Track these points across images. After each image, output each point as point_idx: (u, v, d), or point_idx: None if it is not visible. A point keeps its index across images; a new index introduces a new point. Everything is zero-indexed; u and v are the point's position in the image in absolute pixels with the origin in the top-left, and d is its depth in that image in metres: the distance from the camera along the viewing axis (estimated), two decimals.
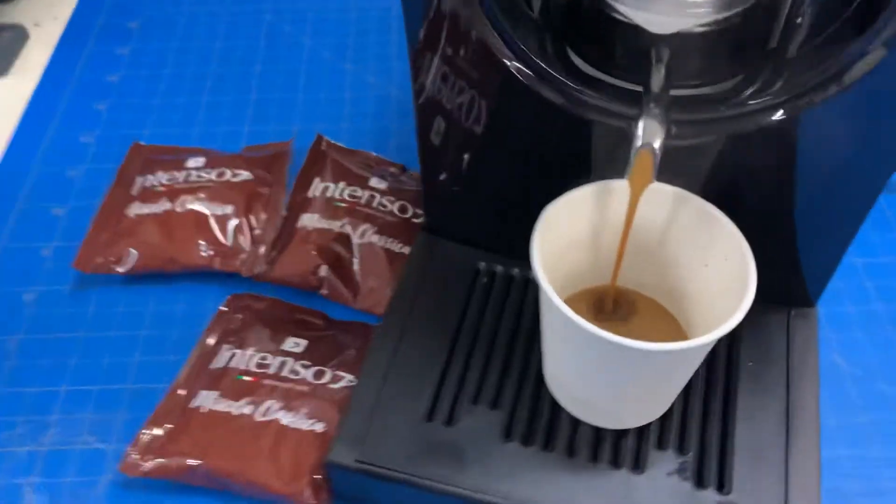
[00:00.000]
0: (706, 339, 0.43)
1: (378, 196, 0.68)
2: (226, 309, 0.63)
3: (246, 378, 0.57)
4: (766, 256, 0.51)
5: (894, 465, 0.55)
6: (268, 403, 0.56)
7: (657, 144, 0.44)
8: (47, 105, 0.80)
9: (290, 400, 0.56)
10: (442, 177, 0.57)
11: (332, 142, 0.73)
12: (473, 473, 0.49)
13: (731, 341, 0.55)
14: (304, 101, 0.80)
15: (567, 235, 0.50)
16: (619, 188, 0.48)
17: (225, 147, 0.75)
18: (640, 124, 0.44)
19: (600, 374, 0.47)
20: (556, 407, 0.52)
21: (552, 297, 0.44)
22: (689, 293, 0.51)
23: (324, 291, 0.63)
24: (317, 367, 0.58)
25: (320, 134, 0.73)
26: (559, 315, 0.44)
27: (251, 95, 0.80)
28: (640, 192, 0.46)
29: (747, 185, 0.50)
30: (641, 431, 0.51)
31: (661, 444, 0.51)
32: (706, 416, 0.52)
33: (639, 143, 0.44)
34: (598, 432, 0.51)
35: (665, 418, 0.52)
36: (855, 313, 0.64)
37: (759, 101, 0.46)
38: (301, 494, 0.52)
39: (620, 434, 0.51)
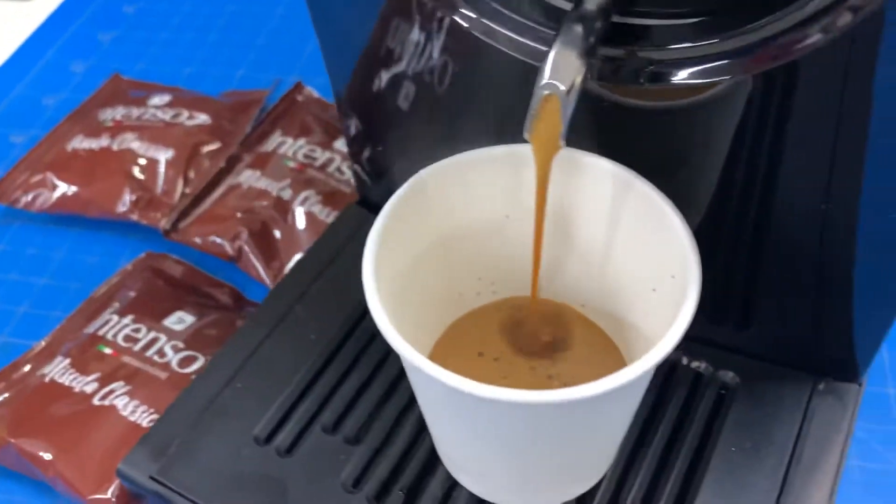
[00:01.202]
0: (590, 389, 0.27)
1: (338, 160, 0.55)
2: (131, 268, 0.53)
3: (107, 350, 0.47)
4: (778, 295, 0.34)
5: None
6: (114, 385, 0.45)
7: (570, 86, 0.28)
8: (53, 31, 0.74)
9: (140, 386, 0.45)
10: (368, 141, 0.44)
11: (314, 94, 0.61)
12: None
13: (710, 415, 0.38)
14: (313, 51, 0.69)
15: (456, 220, 0.35)
16: (528, 158, 0.33)
17: (212, 89, 0.65)
18: (552, 54, 0.29)
19: (462, 432, 0.32)
20: (432, 461, 0.37)
21: (376, 314, 0.30)
22: (635, 324, 0.35)
23: (242, 265, 0.52)
24: (187, 353, 0.47)
25: (301, 83, 0.62)
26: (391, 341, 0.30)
27: (259, 40, 0.71)
28: (546, 159, 0.31)
29: (755, 173, 0.33)
30: None
31: None
32: None
33: (544, 79, 0.29)
34: None
35: (583, 500, 0.36)
36: None
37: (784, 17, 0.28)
38: None
39: None
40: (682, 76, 0.30)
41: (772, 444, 0.36)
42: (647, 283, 0.33)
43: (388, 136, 0.44)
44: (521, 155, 0.33)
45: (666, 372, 0.40)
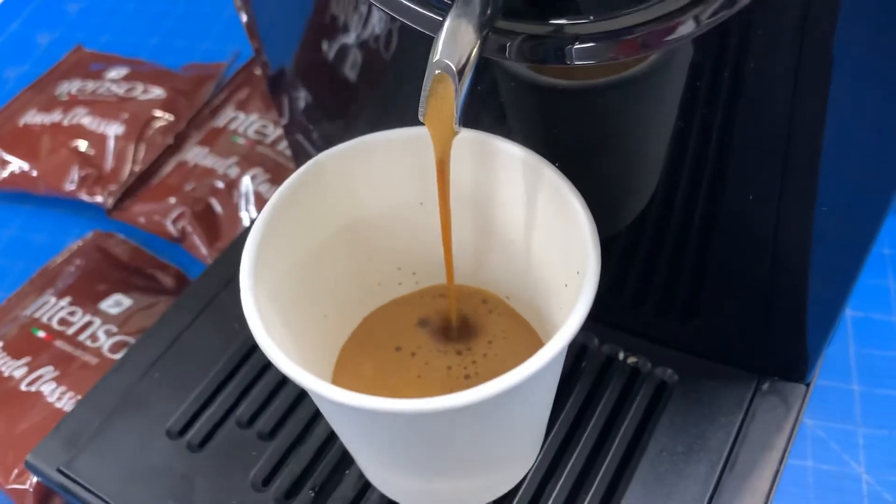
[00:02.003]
0: (469, 396, 0.25)
1: None
2: (76, 248, 0.51)
3: (40, 334, 0.46)
4: (721, 287, 0.32)
5: None
6: (43, 370, 0.44)
7: (462, 63, 0.26)
8: (20, 1, 0.73)
9: (68, 371, 0.44)
10: (303, 122, 0.42)
11: None
12: None
13: (645, 413, 0.36)
14: None
15: (363, 206, 0.33)
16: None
17: (175, 62, 0.63)
18: (444, 28, 0.26)
19: (362, 438, 0.30)
20: (344, 460, 0.35)
21: (250, 315, 0.28)
22: (554, 321, 0.32)
23: (186, 246, 0.50)
24: (120, 338, 0.45)
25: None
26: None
27: (226, 11, 0.68)
28: (444, 143, 0.29)
29: (695, 153, 0.30)
30: None
31: None
32: None
33: (435, 57, 0.26)
34: None
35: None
36: None
37: None
38: (22, 499, 0.39)
39: None
40: (611, 51, 0.27)
41: (706, 447, 0.34)
42: (560, 278, 0.31)
43: (321, 111, 0.42)
44: (426, 137, 0.31)
45: (601, 366, 0.37)
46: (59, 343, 0.45)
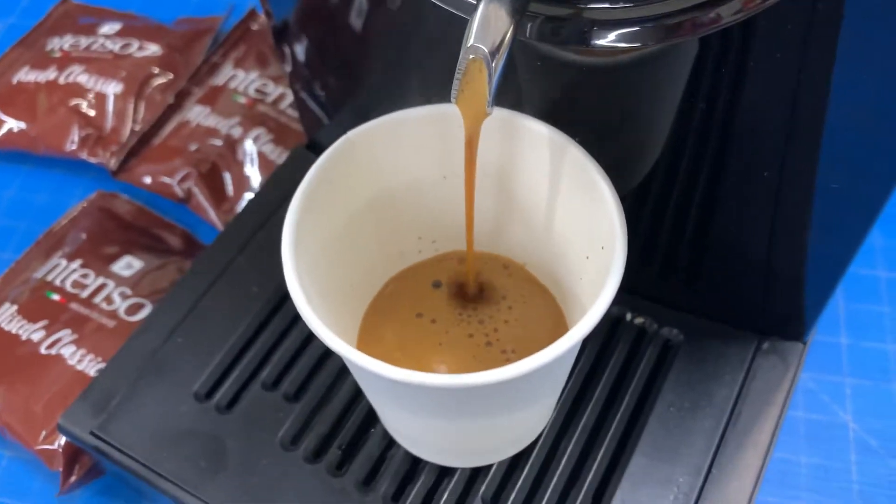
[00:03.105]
0: (507, 372, 0.27)
1: (290, 96, 0.53)
2: (81, 209, 0.51)
3: (54, 297, 0.46)
4: (726, 252, 0.33)
5: None
6: (61, 333, 0.45)
7: (496, 48, 0.27)
8: None
9: (87, 334, 0.44)
10: (310, 85, 0.42)
11: None
12: (225, 487, 0.35)
13: (652, 371, 0.38)
14: None
15: (389, 181, 0.34)
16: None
17: (166, 15, 0.62)
18: (478, 12, 0.27)
19: (392, 405, 0.32)
20: (370, 419, 0.37)
21: (294, 291, 0.29)
22: (573, 291, 0.34)
23: (192, 206, 0.51)
24: (136, 300, 0.46)
25: (255, 10, 0.59)
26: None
27: None
28: (475, 125, 0.30)
29: (704, 135, 0.32)
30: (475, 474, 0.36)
31: (497, 498, 0.35)
32: (578, 470, 0.35)
33: (469, 42, 0.27)
34: (439, 471, 0.36)
35: (517, 460, 0.36)
36: (894, 354, 0.44)
37: None
38: (51, 459, 0.41)
39: (445, 473, 0.36)
40: (629, 37, 0.28)
41: (711, 403, 0.36)
42: (582, 250, 0.32)
43: (333, 70, 0.42)
44: (453, 114, 0.32)
45: (609, 327, 0.39)
46: (74, 306, 0.46)
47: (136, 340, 0.40)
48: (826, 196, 0.31)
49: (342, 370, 0.38)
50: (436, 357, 0.34)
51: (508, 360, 0.34)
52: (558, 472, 0.35)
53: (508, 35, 0.27)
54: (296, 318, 0.40)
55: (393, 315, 0.36)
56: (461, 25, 0.28)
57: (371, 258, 0.36)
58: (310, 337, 0.40)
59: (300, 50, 0.41)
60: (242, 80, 0.54)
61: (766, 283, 0.36)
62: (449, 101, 0.30)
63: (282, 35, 0.41)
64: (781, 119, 0.30)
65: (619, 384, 0.37)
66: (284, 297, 0.41)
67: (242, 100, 0.53)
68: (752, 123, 0.31)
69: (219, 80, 0.55)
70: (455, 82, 0.28)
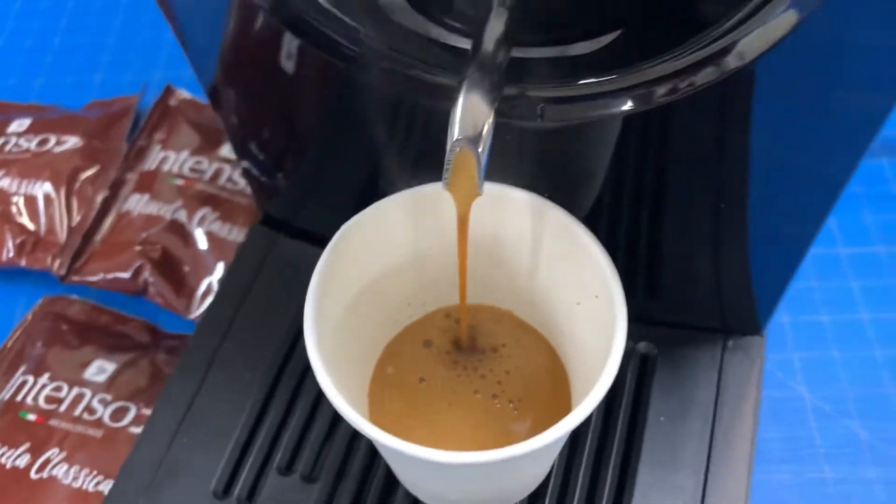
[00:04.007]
0: (522, 447, 0.29)
1: (228, 169, 0.54)
2: (31, 318, 0.50)
3: (30, 417, 0.46)
4: (686, 273, 0.37)
5: None
6: (49, 453, 0.44)
7: (483, 135, 0.29)
8: None
9: (76, 449, 0.44)
10: (261, 160, 0.43)
11: (188, 95, 0.58)
12: None
13: (637, 386, 0.41)
14: (172, 42, 0.65)
15: (382, 263, 0.36)
16: (443, 194, 0.33)
17: (71, 102, 0.61)
18: (459, 105, 0.29)
19: (416, 473, 0.34)
20: (390, 483, 0.39)
21: (321, 378, 0.30)
22: (564, 332, 0.37)
23: (151, 297, 0.50)
24: (119, 404, 0.46)
25: (171, 85, 0.59)
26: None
27: (110, 38, 0.66)
28: (466, 205, 0.32)
29: (647, 179, 0.35)
30: None
31: None
32: (592, 493, 0.38)
33: (455, 135, 0.29)
34: None
35: (536, 495, 0.38)
36: (829, 324, 0.49)
37: (669, 59, 0.30)
38: None
39: None
40: (577, 112, 0.31)
41: (695, 406, 0.40)
42: (570, 297, 0.35)
43: (281, 149, 0.43)
44: (435, 192, 0.34)
45: None
46: (54, 422, 0.45)
47: (141, 449, 0.40)
48: (762, 228, 0.36)
49: (353, 440, 0.40)
50: (449, 419, 0.36)
51: (517, 410, 0.36)
52: (576, 497, 0.38)
53: (490, 122, 0.29)
54: (295, 394, 0.41)
55: (396, 383, 0.38)
56: (406, 86, 0.30)
57: (369, 334, 0.37)
58: (314, 410, 0.41)
59: (244, 125, 0.42)
60: (174, 161, 0.54)
61: (720, 293, 0.40)
62: (415, 177, 0.32)
63: (222, 109, 0.42)
64: (710, 170, 0.33)
65: (611, 404, 0.41)
66: (278, 377, 0.42)
67: (179, 181, 0.53)
68: (687, 173, 0.34)
69: (150, 164, 0.54)
70: (445, 171, 0.30)
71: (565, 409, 0.36)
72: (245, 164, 0.44)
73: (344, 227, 0.34)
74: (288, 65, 0.36)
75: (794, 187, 0.34)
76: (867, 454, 0.44)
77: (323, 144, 0.41)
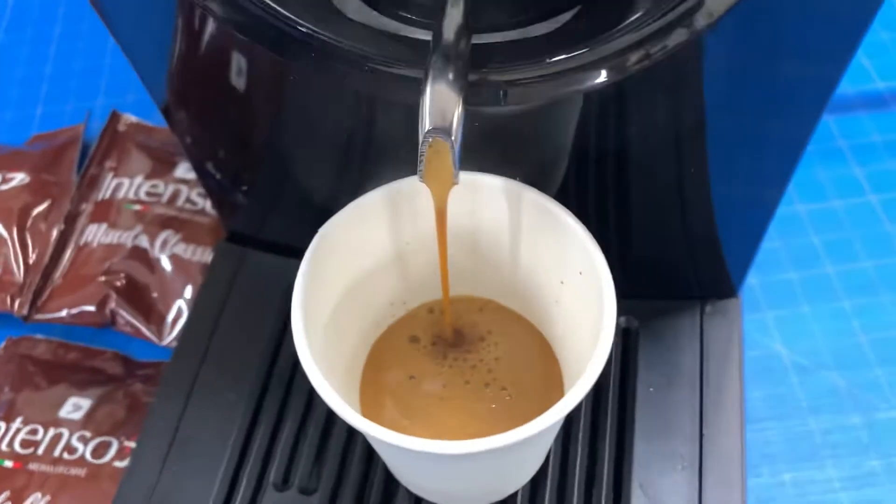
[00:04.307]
0: (524, 431, 0.29)
1: (185, 190, 0.53)
2: None
3: (7, 464, 0.44)
4: (659, 244, 0.37)
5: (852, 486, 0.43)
6: (31, 499, 0.43)
7: (453, 125, 0.29)
8: None
9: (60, 491, 0.43)
10: (221, 176, 0.42)
11: (135, 119, 0.57)
12: None
13: (623, 359, 0.41)
14: (112, 67, 0.64)
15: (362, 261, 0.35)
16: (419, 188, 0.33)
17: (11, 138, 0.59)
18: (427, 96, 0.29)
19: (416, 468, 0.33)
20: (390, 485, 0.38)
21: (313, 378, 0.30)
22: (551, 314, 0.37)
23: (119, 327, 0.49)
24: (99, 440, 0.44)
25: (116, 110, 0.57)
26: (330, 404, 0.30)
27: (46, 68, 0.64)
28: (443, 196, 0.32)
29: (616, 154, 0.35)
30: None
31: None
32: (592, 471, 0.39)
33: (426, 126, 0.29)
34: None
35: (537, 480, 0.38)
36: (797, 281, 0.50)
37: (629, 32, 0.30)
38: None
39: None
40: (539, 94, 0.31)
41: (681, 374, 0.40)
42: (553, 277, 0.35)
43: (242, 163, 0.42)
44: (411, 187, 0.34)
45: None
46: (34, 466, 0.44)
47: (131, 482, 0.39)
48: (729, 194, 0.36)
49: (347, 447, 0.39)
50: (444, 413, 0.36)
51: (510, 396, 0.36)
52: (577, 477, 0.38)
53: (459, 110, 0.29)
54: (283, 410, 0.41)
55: (386, 382, 0.37)
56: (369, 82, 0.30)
57: (354, 338, 0.37)
58: (304, 422, 0.40)
59: (201, 141, 0.41)
60: (129, 187, 0.53)
61: (695, 260, 0.41)
62: (380, 176, 0.32)
63: (178, 126, 0.41)
64: (670, 138, 0.34)
65: (599, 381, 0.40)
66: (263, 393, 0.41)
67: (137, 207, 0.52)
68: (652, 145, 0.35)
69: (104, 193, 0.53)
70: (420, 163, 0.30)
71: (557, 389, 0.36)
72: (206, 180, 0.43)
73: (323, 229, 0.33)
74: (240, 74, 0.35)
75: (757, 152, 0.35)
76: (848, 402, 0.46)
77: (283, 153, 0.41)
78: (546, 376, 0.37)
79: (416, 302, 0.39)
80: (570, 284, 0.34)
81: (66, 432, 0.45)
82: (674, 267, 0.41)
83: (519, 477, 0.37)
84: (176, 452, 0.40)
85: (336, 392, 0.30)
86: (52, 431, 0.45)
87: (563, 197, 0.37)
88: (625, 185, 0.37)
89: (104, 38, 0.65)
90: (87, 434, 0.45)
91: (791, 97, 0.32)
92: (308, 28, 0.31)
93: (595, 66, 0.29)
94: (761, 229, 0.38)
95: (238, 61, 0.35)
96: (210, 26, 0.33)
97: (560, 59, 0.30)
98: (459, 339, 0.38)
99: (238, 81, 0.36)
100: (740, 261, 0.40)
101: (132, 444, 0.44)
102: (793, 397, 0.46)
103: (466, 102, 0.30)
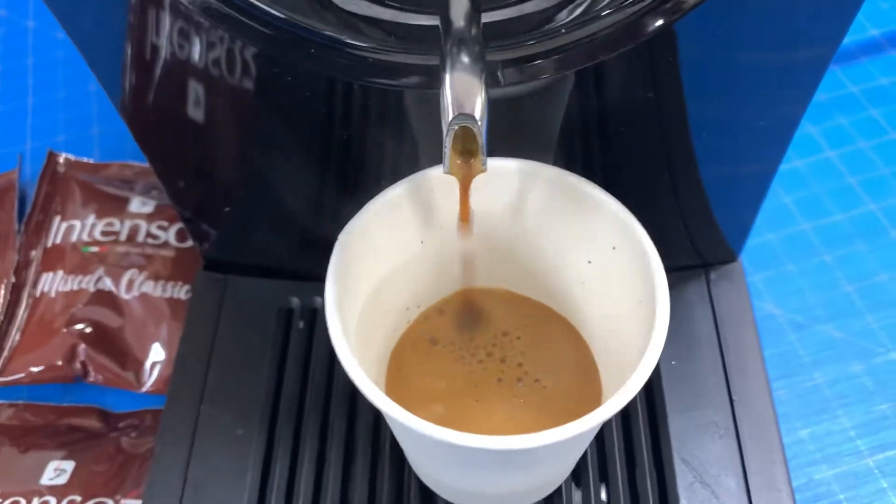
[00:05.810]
0: (577, 426, 0.28)
1: (144, 224, 0.49)
2: None
3: None
4: (662, 215, 0.37)
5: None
6: None
7: (478, 110, 0.27)
8: None
9: None
10: (200, 201, 0.40)
11: (74, 157, 0.53)
12: None
13: None
14: (37, 106, 0.59)
15: (384, 263, 0.34)
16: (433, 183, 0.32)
17: None
18: (447, 85, 0.27)
19: (454, 466, 0.32)
20: (426, 496, 0.36)
21: (355, 376, 0.28)
22: (577, 297, 0.36)
23: (93, 378, 0.45)
24: (92, 502, 0.41)
25: (52, 150, 0.53)
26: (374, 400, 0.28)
27: None
28: (468, 185, 0.30)
29: (621, 127, 0.35)
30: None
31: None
32: (631, 452, 0.38)
33: (450, 114, 0.27)
34: None
35: (579, 471, 0.37)
36: (777, 241, 0.50)
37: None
38: None
39: None
40: (536, 72, 0.30)
41: (700, 344, 0.40)
42: (580, 257, 0.34)
43: (221, 182, 0.40)
44: (427, 180, 0.32)
45: None
46: None
47: None
48: (717, 165, 0.36)
49: (373, 473, 0.37)
50: (482, 414, 0.34)
51: (546, 389, 0.35)
52: (617, 463, 0.37)
53: (483, 95, 0.28)
54: (298, 440, 0.38)
55: (415, 389, 0.35)
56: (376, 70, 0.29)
57: (378, 343, 0.35)
58: (322, 450, 0.38)
59: (183, 178, 0.39)
60: (81, 228, 0.49)
61: (699, 228, 0.40)
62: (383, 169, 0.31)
63: (151, 152, 0.38)
64: (656, 112, 0.34)
65: None
66: (273, 424, 0.39)
67: (94, 248, 0.48)
68: (652, 120, 0.34)
69: (54, 238, 0.49)
70: (445, 154, 0.28)
71: (592, 371, 0.35)
72: (181, 206, 0.40)
73: (341, 238, 0.31)
74: (216, 84, 0.33)
75: (752, 125, 0.35)
76: (847, 351, 0.46)
77: (263, 170, 0.39)
78: (578, 361, 0.36)
79: (429, 303, 0.38)
80: (600, 262, 0.33)
81: (52, 500, 0.41)
82: (678, 238, 0.41)
83: (560, 472, 0.35)
84: (189, 500, 0.36)
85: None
86: (36, 501, 0.41)
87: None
88: (620, 155, 0.37)
89: (23, 77, 0.61)
90: (77, 498, 0.41)
91: (779, 78, 0.32)
92: (289, 17, 0.29)
93: (595, 37, 0.28)
94: (762, 190, 0.38)
95: (213, 70, 0.32)
96: (190, 37, 0.31)
97: (560, 35, 0.29)
98: (485, 334, 0.37)
99: (213, 94, 0.34)
100: (741, 224, 0.40)
101: (131, 501, 0.40)
102: (794, 355, 0.46)
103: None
